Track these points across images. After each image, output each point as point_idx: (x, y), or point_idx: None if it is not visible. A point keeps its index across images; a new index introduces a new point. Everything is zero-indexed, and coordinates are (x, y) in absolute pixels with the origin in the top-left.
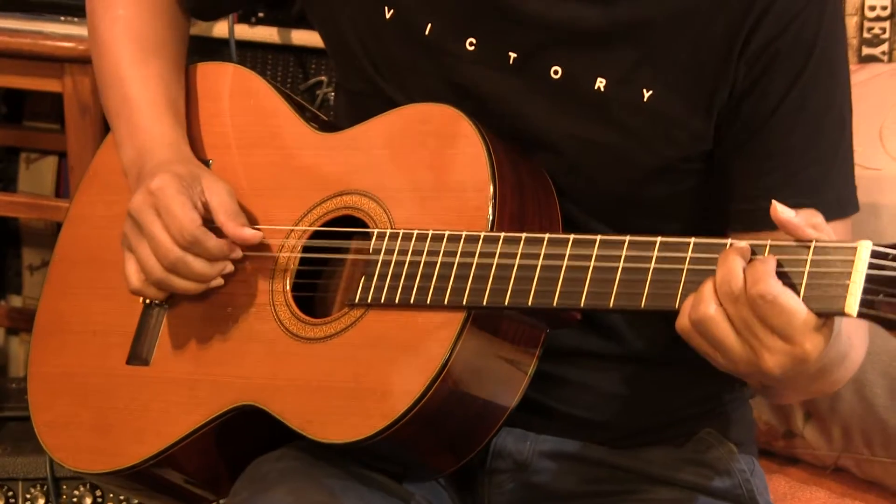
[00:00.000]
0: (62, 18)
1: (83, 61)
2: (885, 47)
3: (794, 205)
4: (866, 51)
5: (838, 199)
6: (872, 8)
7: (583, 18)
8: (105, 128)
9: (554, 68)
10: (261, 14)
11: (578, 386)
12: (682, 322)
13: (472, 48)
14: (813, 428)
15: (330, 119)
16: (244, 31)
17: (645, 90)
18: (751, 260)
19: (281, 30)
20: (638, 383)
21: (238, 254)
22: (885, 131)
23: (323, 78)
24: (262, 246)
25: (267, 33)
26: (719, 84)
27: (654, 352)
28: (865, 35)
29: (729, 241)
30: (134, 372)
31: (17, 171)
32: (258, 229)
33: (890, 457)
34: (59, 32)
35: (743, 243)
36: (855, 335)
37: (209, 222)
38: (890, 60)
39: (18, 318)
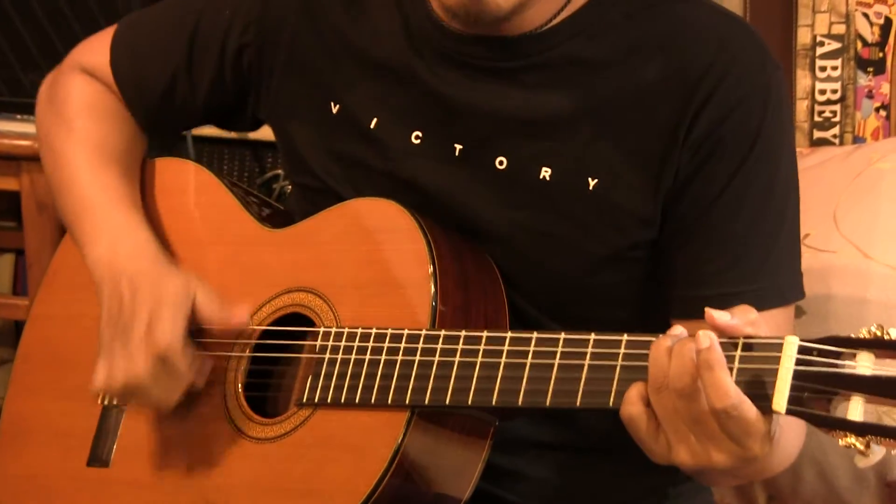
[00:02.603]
0: (18, 117)
1: (40, 159)
2: (836, 130)
3: (736, 292)
4: (818, 134)
5: (779, 287)
6: (823, 92)
7: (527, 108)
8: (62, 225)
9: (499, 159)
10: None
11: (532, 478)
12: (631, 409)
13: (418, 141)
14: None
15: (286, 209)
16: (201, 127)
17: (590, 179)
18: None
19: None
20: (591, 473)
21: (201, 382)
22: (838, 213)
23: (279, 171)
24: (213, 346)
25: (206, 131)
26: (665, 169)
27: (605, 441)
28: (816, 119)
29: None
30: (95, 474)
31: None
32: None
33: None
34: (14, 131)
35: (679, 331)
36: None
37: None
38: (841, 143)
39: None
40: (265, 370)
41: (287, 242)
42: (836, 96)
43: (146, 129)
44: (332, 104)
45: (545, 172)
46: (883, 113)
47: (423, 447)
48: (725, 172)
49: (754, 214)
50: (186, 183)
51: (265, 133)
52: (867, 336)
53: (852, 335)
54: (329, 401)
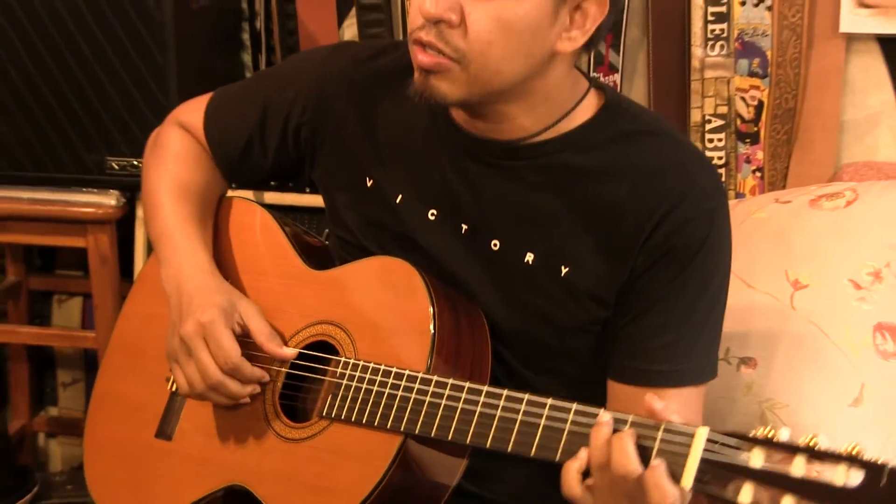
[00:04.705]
0: (84, 189)
1: (102, 222)
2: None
3: (661, 370)
4: None
5: (699, 370)
6: (711, 159)
7: (521, 202)
8: (122, 274)
9: (494, 241)
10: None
11: (508, 480)
12: (573, 491)
13: (433, 218)
14: None
15: (327, 247)
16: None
17: (563, 267)
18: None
19: (256, 192)
20: (551, 472)
21: (266, 377)
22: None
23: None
24: (262, 359)
25: (244, 194)
26: (623, 266)
27: None
28: None
29: (601, 411)
30: (160, 444)
31: (51, 309)
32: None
33: None
34: (81, 201)
35: (609, 417)
36: None
37: (245, 341)
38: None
39: (56, 424)
40: (296, 384)
41: (324, 282)
42: (722, 162)
43: (227, 179)
44: (367, 179)
45: (529, 257)
46: (758, 174)
47: (412, 462)
48: (670, 274)
49: (687, 309)
50: (252, 221)
51: (279, 198)
52: (761, 436)
53: (750, 434)
54: (343, 417)
